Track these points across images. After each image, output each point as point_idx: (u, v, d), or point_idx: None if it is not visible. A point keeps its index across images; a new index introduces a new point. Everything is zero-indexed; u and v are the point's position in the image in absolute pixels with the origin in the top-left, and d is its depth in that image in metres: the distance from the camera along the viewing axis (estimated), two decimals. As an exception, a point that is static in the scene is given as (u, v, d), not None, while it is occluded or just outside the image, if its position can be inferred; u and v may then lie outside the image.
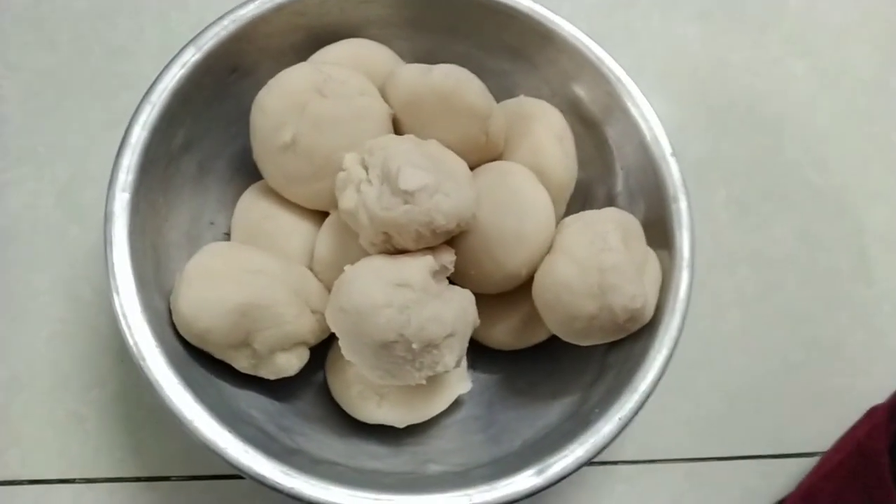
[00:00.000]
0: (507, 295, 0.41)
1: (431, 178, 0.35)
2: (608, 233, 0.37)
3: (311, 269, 0.40)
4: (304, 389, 0.41)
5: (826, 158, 0.57)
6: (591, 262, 0.36)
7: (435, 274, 0.36)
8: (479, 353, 0.43)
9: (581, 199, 0.44)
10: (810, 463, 0.48)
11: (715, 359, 0.50)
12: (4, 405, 0.43)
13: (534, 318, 0.41)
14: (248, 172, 0.42)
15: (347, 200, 0.36)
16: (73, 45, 0.51)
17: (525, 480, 0.34)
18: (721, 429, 0.48)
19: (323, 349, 0.41)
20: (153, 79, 0.39)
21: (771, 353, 0.50)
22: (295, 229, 0.41)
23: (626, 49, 0.56)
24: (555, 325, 0.39)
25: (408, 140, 0.38)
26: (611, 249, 0.36)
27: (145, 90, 0.38)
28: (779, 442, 0.48)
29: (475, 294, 0.39)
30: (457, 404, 0.41)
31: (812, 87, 0.59)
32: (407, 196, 0.34)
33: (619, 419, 0.36)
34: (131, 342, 0.34)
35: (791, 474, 0.48)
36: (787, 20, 0.61)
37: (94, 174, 0.44)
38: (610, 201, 0.44)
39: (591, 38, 0.44)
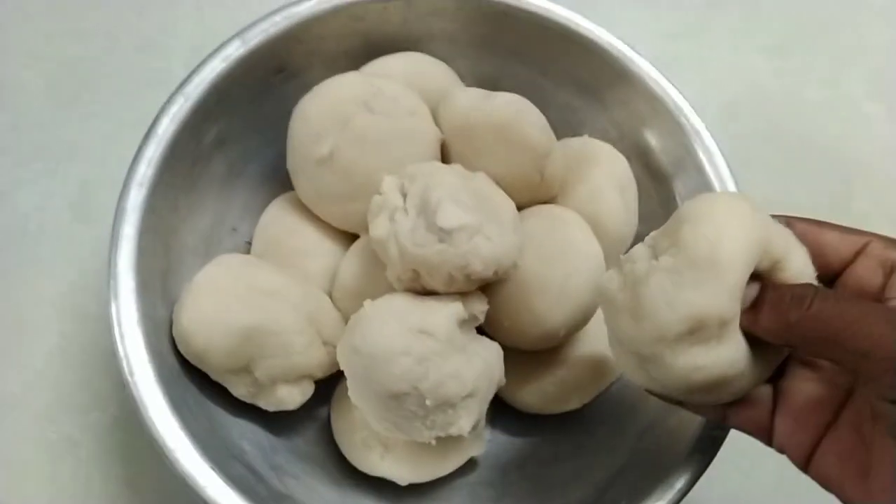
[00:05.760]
0: (541, 353, 0.37)
1: (473, 218, 0.31)
2: None
3: (330, 295, 0.37)
4: (305, 425, 0.37)
5: (898, 212, 0.52)
6: None
7: (462, 323, 0.32)
8: (501, 411, 0.39)
9: (637, 256, 0.40)
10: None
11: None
12: (-6, 423, 0.40)
13: (568, 383, 0.38)
14: (280, 181, 0.39)
15: (379, 228, 0.33)
16: (100, 36, 0.48)
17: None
18: (770, 500, 0.43)
19: (332, 381, 0.37)
20: (182, 77, 0.36)
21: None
22: (319, 249, 0.38)
23: (691, 78, 0.52)
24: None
25: (453, 171, 0.34)
26: None
27: (173, 88, 0.35)
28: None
29: (506, 348, 0.35)
30: (469, 464, 0.37)
31: (890, 132, 0.54)
32: (443, 234, 0.31)
33: (648, 518, 0.32)
34: (122, 353, 0.31)
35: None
36: (867, 58, 0.56)
37: (112, 176, 0.37)
38: (668, 264, 0.40)
39: (668, 79, 0.40)
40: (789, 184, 0.52)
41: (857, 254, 0.27)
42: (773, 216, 0.28)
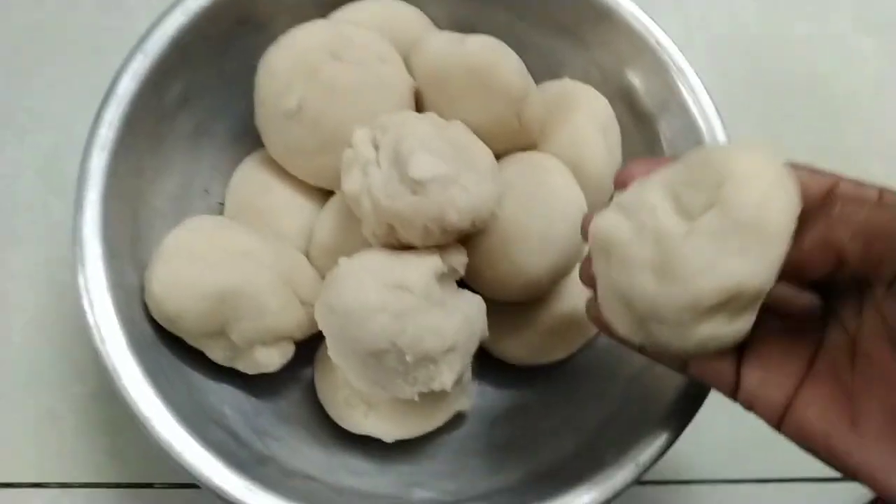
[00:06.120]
0: (525, 305, 0.37)
1: (448, 168, 0.30)
2: None
3: (307, 254, 0.36)
4: (289, 387, 0.37)
5: (891, 147, 0.51)
6: None
7: (441, 277, 0.32)
8: (488, 365, 0.38)
9: (622, 201, 0.39)
10: (859, 489, 0.42)
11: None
12: (-28, 401, 0.39)
13: (553, 333, 0.37)
14: (251, 138, 0.38)
15: (351, 182, 0.32)
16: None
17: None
18: (762, 449, 0.42)
19: (315, 342, 0.36)
20: (150, 31, 0.34)
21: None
22: (293, 207, 0.37)
23: (674, 17, 0.52)
24: None
25: (427, 119, 0.33)
26: None
27: (136, 47, 0.34)
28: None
29: (489, 300, 0.34)
30: (457, 419, 0.37)
31: (880, 67, 0.53)
32: (416, 186, 0.30)
33: (636, 465, 0.31)
34: (92, 321, 0.30)
35: (838, 500, 0.42)
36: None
37: (81, 142, 0.38)
38: (654, 208, 0.39)
39: (651, 17, 0.38)
40: (778, 122, 0.51)
41: (827, 193, 0.26)
42: None
